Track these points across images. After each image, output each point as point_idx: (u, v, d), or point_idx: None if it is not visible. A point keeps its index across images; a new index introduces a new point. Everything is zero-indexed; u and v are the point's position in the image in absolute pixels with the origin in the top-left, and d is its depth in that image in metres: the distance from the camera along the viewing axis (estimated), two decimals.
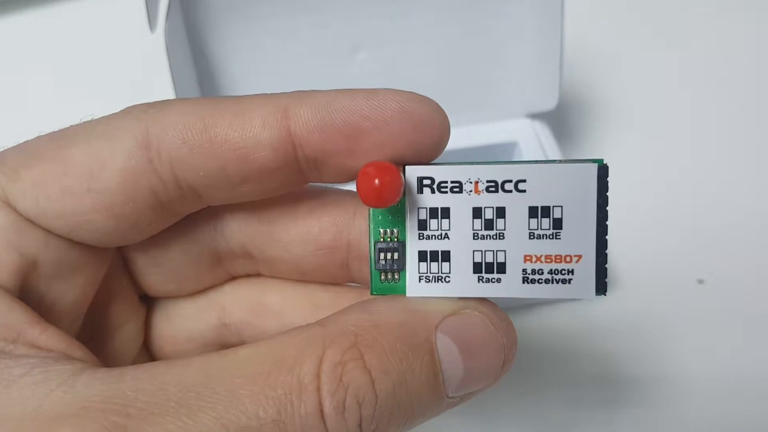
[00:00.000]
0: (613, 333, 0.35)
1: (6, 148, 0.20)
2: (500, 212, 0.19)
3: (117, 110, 0.20)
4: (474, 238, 0.19)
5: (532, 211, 0.19)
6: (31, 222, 0.19)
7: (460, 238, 0.19)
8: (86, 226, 0.19)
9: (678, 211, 0.39)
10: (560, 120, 0.42)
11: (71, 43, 0.49)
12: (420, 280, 0.19)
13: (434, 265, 0.19)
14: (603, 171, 0.19)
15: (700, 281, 0.36)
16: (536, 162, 0.19)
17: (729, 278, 0.36)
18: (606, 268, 0.19)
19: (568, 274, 0.18)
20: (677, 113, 0.45)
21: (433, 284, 0.19)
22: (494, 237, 0.19)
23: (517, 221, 0.19)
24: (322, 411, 0.16)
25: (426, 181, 0.19)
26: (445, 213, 0.19)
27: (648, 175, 0.41)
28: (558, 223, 0.19)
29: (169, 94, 0.32)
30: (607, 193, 0.19)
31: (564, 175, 0.19)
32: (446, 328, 0.18)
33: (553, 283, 0.19)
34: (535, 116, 0.39)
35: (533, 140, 0.38)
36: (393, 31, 0.37)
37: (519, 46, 0.38)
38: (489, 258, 0.19)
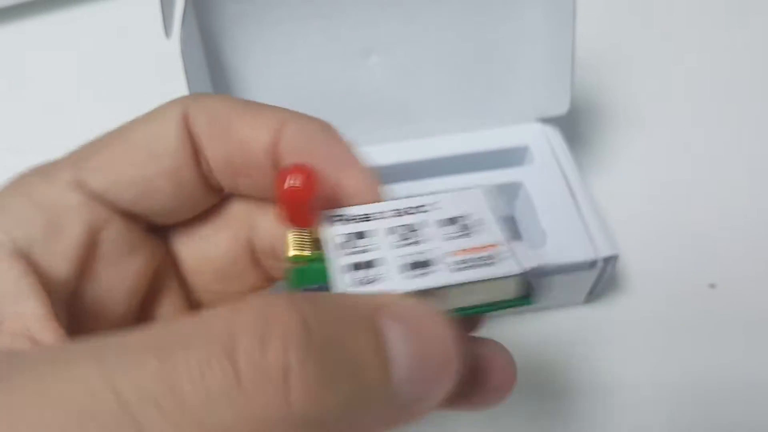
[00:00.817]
0: (624, 338, 0.35)
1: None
2: (411, 227, 0.20)
3: (133, 114, 0.22)
4: (394, 248, 0.20)
5: (439, 223, 0.21)
6: (99, 199, 0.21)
7: (381, 250, 0.20)
8: (152, 193, 0.21)
9: (690, 215, 0.39)
10: (571, 124, 0.42)
11: (88, 48, 0.50)
12: (348, 288, 0.19)
13: (360, 273, 0.19)
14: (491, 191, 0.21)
15: (712, 286, 0.36)
16: (428, 194, 0.21)
17: (741, 282, 0.36)
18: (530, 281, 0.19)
19: (489, 259, 0.19)
20: (689, 117, 0.45)
21: (364, 286, 0.19)
22: (412, 244, 0.20)
23: (429, 231, 0.20)
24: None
25: (336, 217, 0.21)
26: (361, 235, 0.20)
27: (660, 178, 0.41)
28: (465, 227, 0.20)
29: None
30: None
31: (456, 198, 0.21)
32: (389, 313, 0.16)
33: (480, 266, 0.19)
34: (546, 120, 0.39)
35: (544, 144, 0.38)
36: (405, 35, 0.37)
37: (531, 50, 0.38)
38: (412, 259, 0.19)
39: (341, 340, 0.15)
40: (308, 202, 0.19)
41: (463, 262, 0.19)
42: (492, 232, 0.20)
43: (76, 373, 0.13)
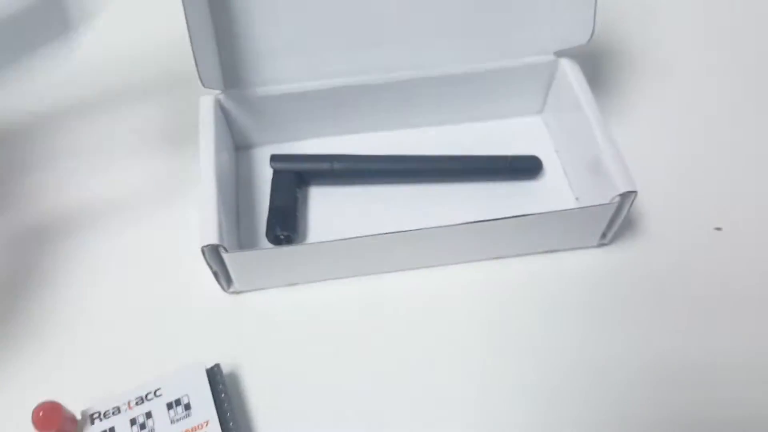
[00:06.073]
0: (628, 280, 0.35)
1: None
2: (149, 415, 0.29)
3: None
4: None
5: (169, 405, 0.29)
6: None
7: None
8: None
9: (702, 160, 0.39)
10: (594, 66, 0.41)
11: None
12: None
13: None
14: (213, 372, 0.30)
15: (718, 229, 0.36)
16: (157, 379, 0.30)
17: (747, 226, 0.37)
18: None
19: None
20: (710, 64, 0.44)
21: None
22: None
23: (161, 417, 0.29)
24: None
25: (94, 414, 0.29)
26: (112, 431, 0.29)
27: (677, 123, 0.41)
28: (188, 407, 0.29)
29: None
30: (222, 386, 0.30)
31: (183, 378, 0.30)
32: None
33: None
34: (565, 53, 0.37)
35: (564, 80, 0.37)
36: None
37: None
38: None
39: None
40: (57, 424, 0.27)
41: None
42: (206, 408, 0.29)
43: None
